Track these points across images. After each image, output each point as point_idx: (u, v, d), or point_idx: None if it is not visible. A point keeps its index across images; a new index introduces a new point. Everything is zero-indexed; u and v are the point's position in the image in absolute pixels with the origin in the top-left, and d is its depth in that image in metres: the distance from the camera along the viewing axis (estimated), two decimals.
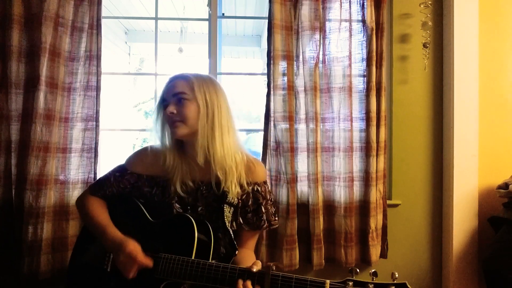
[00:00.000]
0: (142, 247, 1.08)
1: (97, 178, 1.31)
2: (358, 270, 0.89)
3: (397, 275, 0.84)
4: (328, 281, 0.88)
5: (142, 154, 1.26)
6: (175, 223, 1.13)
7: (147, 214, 1.19)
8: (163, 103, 1.18)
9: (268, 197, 1.25)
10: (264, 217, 1.22)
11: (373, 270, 0.87)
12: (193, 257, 1.04)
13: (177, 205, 1.18)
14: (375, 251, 1.76)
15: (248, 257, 1.21)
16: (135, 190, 1.24)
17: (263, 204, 1.23)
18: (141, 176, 1.23)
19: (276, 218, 1.27)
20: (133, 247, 1.06)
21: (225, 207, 1.16)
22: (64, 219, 1.68)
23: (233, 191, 1.16)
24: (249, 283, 0.95)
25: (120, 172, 1.25)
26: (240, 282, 0.96)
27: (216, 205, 1.18)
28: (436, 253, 1.92)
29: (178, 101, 1.14)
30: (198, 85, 1.16)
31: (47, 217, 1.63)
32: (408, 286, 0.84)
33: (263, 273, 0.96)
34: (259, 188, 1.23)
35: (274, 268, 0.96)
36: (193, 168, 1.18)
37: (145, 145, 1.34)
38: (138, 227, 1.16)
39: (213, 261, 1.04)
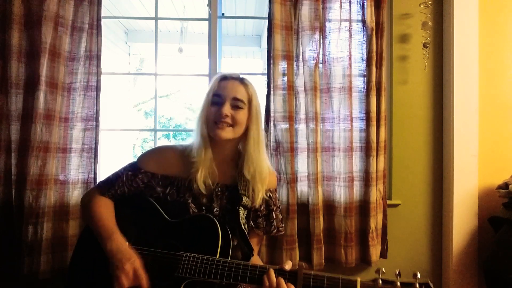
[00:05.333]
0: (161, 245, 1.08)
1: (107, 176, 1.26)
2: (384, 270, 0.91)
3: (419, 275, 0.89)
4: (359, 279, 0.90)
5: (157, 153, 1.26)
6: (196, 223, 1.12)
7: (163, 213, 1.17)
8: (215, 98, 1.17)
9: (278, 204, 1.29)
10: (274, 223, 1.26)
11: (398, 271, 0.90)
12: (217, 257, 1.04)
13: (192, 205, 1.18)
14: (375, 251, 1.76)
15: (257, 261, 1.22)
16: (147, 190, 1.21)
17: (274, 210, 1.26)
18: (155, 175, 1.20)
19: (283, 225, 1.30)
20: (140, 263, 1.05)
21: (240, 209, 1.17)
22: (64, 219, 1.67)
23: (259, 198, 1.20)
24: (281, 279, 0.96)
25: (132, 171, 1.21)
26: (272, 276, 0.96)
27: (230, 207, 1.19)
28: (436, 253, 1.92)
29: (235, 107, 1.16)
30: (255, 97, 1.21)
31: (47, 217, 1.63)
32: (431, 285, 0.88)
33: (295, 272, 0.96)
34: (271, 195, 1.26)
35: (305, 267, 0.97)
36: (213, 169, 1.19)
37: (145, 145, 1.34)
38: (155, 226, 1.15)
39: (240, 261, 1.03)
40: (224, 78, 1.20)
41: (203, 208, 1.19)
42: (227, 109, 1.14)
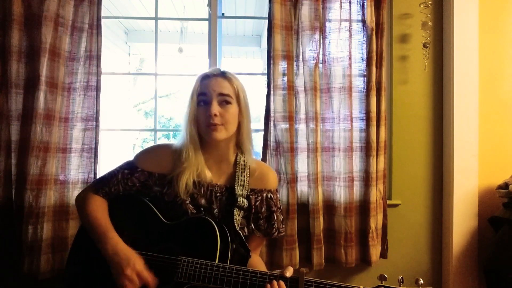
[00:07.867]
0: (158, 249, 1.06)
1: (101, 175, 1.24)
2: (386, 276, 0.90)
3: (421, 281, 0.88)
4: (361, 287, 0.90)
5: (154, 151, 1.24)
6: (194, 226, 1.09)
7: (160, 215, 1.14)
8: (201, 97, 1.15)
9: (279, 205, 1.27)
10: (276, 225, 1.23)
11: (401, 277, 0.90)
12: (216, 261, 1.02)
13: (191, 206, 1.15)
14: (375, 251, 1.76)
15: (259, 262, 1.22)
16: (143, 189, 1.19)
17: (275, 211, 1.24)
18: (153, 174, 1.18)
19: (283, 226, 1.28)
20: (141, 263, 1.03)
21: (235, 211, 1.16)
22: (64, 219, 1.67)
23: (242, 193, 1.18)
24: (282, 283, 0.95)
25: (129, 169, 1.19)
26: (275, 285, 0.95)
27: (229, 208, 1.17)
28: (436, 253, 1.92)
29: (222, 103, 1.14)
30: (242, 90, 1.18)
31: (47, 217, 1.63)
32: None
33: (296, 279, 0.95)
34: (272, 196, 1.24)
35: (306, 273, 0.95)
36: (203, 171, 1.17)
37: (145, 145, 1.33)
38: (151, 228, 1.12)
39: (240, 266, 1.02)
40: (206, 76, 1.18)
41: (202, 209, 1.16)
42: (215, 108, 1.11)
